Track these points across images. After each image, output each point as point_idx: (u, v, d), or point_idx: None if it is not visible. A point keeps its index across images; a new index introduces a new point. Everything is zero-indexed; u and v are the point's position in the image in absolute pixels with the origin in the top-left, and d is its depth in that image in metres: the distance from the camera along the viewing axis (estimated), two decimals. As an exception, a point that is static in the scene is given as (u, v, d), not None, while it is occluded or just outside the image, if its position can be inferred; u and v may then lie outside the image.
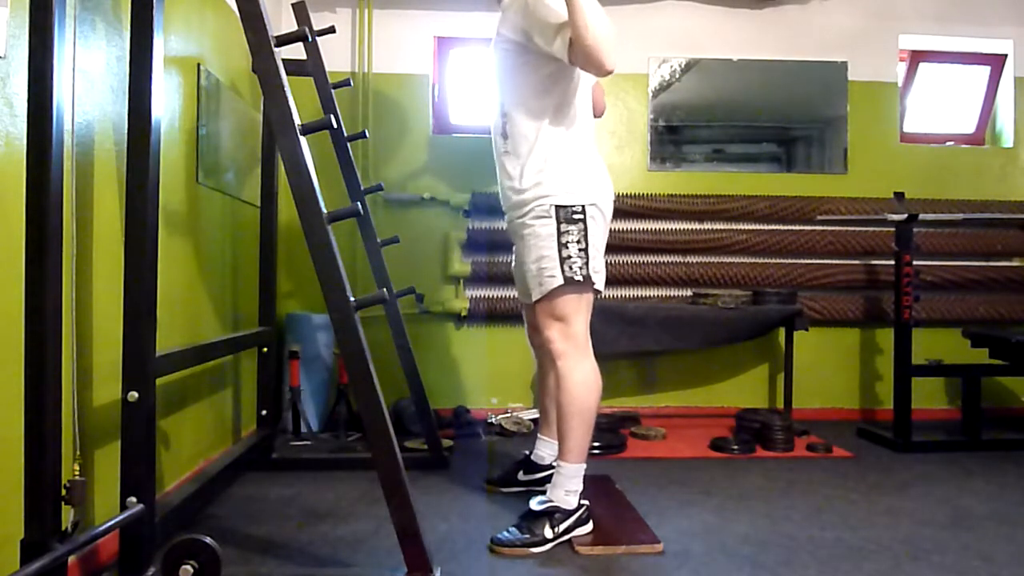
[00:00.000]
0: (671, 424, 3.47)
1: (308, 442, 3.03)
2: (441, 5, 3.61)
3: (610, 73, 1.83)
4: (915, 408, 3.05)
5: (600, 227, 2.05)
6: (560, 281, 1.96)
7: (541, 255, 2.00)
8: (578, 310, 2.01)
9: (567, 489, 1.99)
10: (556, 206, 1.98)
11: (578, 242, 1.98)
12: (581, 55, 1.81)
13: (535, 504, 2.00)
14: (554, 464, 2.09)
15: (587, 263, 1.98)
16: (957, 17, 3.80)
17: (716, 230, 3.67)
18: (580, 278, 1.97)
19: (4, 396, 1.39)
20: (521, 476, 2.40)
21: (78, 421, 1.62)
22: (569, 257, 1.97)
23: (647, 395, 3.72)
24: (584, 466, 2.04)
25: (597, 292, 2.06)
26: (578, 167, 2.03)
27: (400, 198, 3.58)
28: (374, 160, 3.59)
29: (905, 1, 3.79)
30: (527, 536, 1.92)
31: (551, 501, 1.98)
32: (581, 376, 1.99)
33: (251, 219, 2.91)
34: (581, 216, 1.99)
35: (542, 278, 2.00)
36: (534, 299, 2.05)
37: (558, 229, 1.98)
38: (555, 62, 1.95)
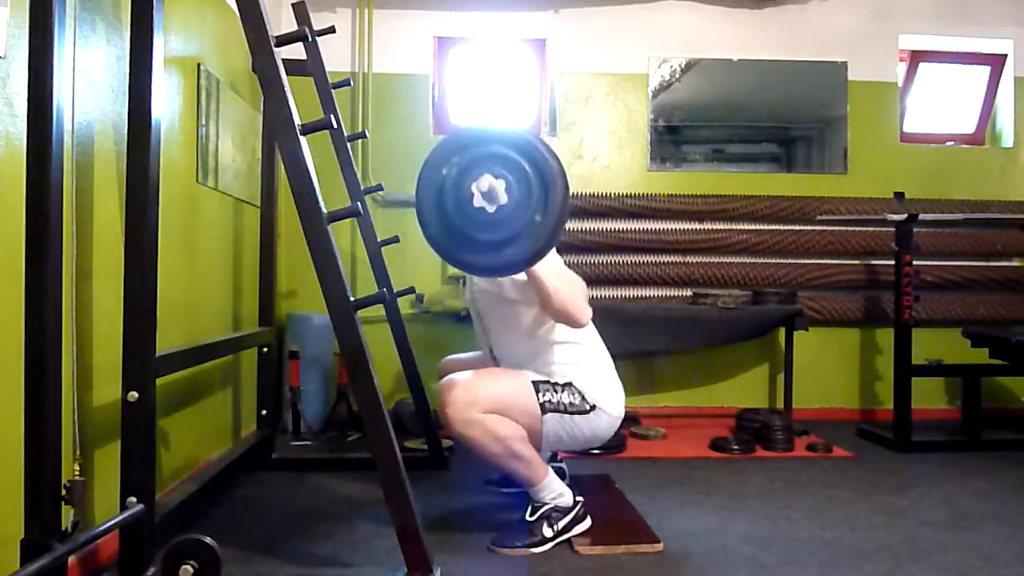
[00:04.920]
0: (671, 424, 3.47)
1: (308, 442, 3.03)
2: (441, 5, 3.61)
3: (585, 325, 1.91)
4: (915, 408, 3.05)
5: (595, 429, 1.97)
6: (530, 377, 1.93)
7: (537, 375, 1.95)
8: (510, 396, 1.88)
9: (551, 495, 1.96)
10: (571, 382, 1.95)
11: (567, 405, 1.92)
12: (550, 314, 1.89)
13: (528, 516, 1.96)
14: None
15: (555, 412, 1.91)
16: (957, 17, 3.80)
17: (716, 230, 3.67)
18: (541, 400, 1.90)
19: (4, 396, 1.39)
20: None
21: (78, 421, 1.62)
22: (552, 392, 1.92)
23: (647, 395, 3.72)
24: (550, 474, 1.97)
25: (535, 437, 1.94)
26: (593, 373, 2.00)
27: (400, 198, 3.57)
28: (374, 160, 3.59)
29: (905, 1, 3.79)
30: (527, 536, 1.92)
31: (544, 505, 1.96)
32: (473, 432, 1.84)
33: (251, 219, 2.91)
34: (587, 408, 1.94)
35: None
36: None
37: (563, 384, 1.94)
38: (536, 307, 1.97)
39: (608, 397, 1.99)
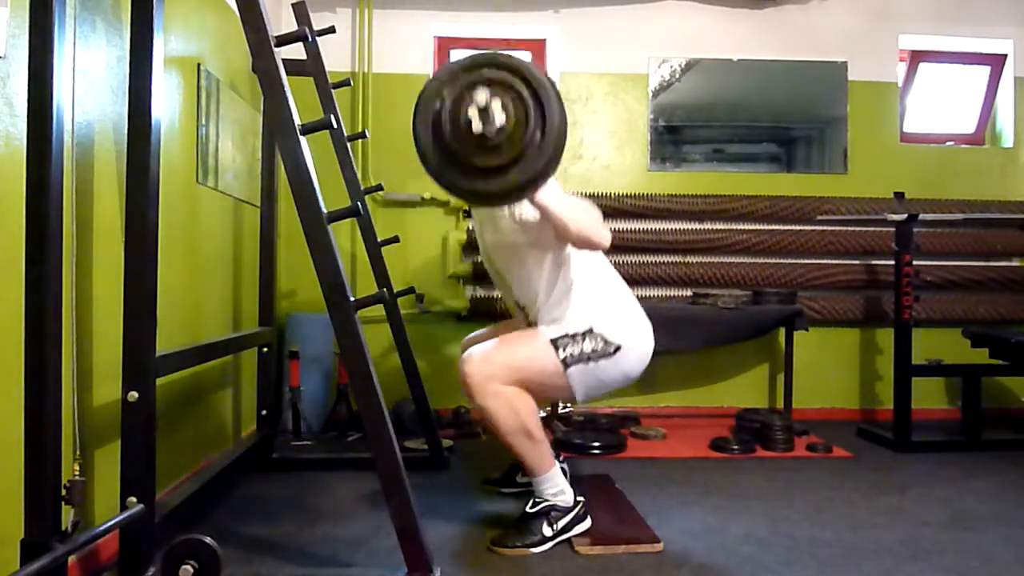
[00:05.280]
0: (671, 424, 3.47)
1: (308, 442, 3.03)
2: (441, 5, 3.61)
3: (607, 247, 1.92)
4: (915, 408, 3.05)
5: (623, 369, 1.99)
6: (548, 336, 1.95)
7: (554, 327, 1.98)
8: (527, 360, 1.92)
9: (553, 491, 1.97)
10: (592, 328, 1.96)
11: (589, 353, 1.94)
12: (572, 245, 1.92)
13: (529, 508, 1.98)
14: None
15: (578, 363, 1.93)
16: (957, 17, 3.80)
17: (716, 230, 3.67)
18: (562, 356, 1.92)
19: (4, 396, 1.39)
20: (520, 478, 2.40)
21: (78, 421, 1.62)
22: (572, 344, 1.94)
23: (647, 395, 3.72)
24: (555, 468, 2.00)
25: (569, 394, 1.98)
26: (617, 313, 2.02)
27: (400, 198, 3.58)
28: (374, 160, 3.59)
29: (905, 1, 3.79)
30: (526, 535, 1.92)
31: (545, 501, 1.97)
32: (493, 402, 1.87)
33: (251, 219, 2.91)
34: (611, 350, 1.95)
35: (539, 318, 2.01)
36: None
37: (583, 332, 1.95)
38: (550, 244, 1.99)
39: (632, 334, 2.01)
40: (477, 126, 1.56)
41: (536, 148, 1.59)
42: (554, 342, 1.94)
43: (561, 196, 1.85)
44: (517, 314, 2.22)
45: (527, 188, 1.67)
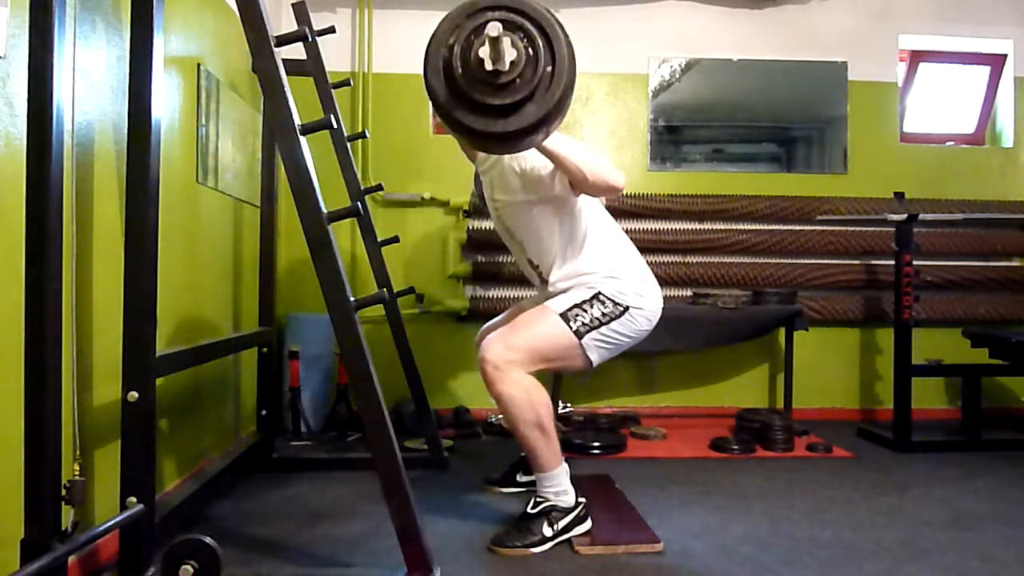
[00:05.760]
0: (671, 424, 3.47)
1: (308, 442, 3.03)
2: (441, 5, 3.54)
3: (623, 189, 1.94)
4: (915, 408, 3.05)
5: (631, 329, 2.03)
6: (557, 310, 1.96)
7: (560, 299, 2.01)
8: (543, 338, 1.95)
9: (555, 491, 1.97)
10: (600, 291, 2.00)
11: (599, 317, 1.98)
12: (589, 190, 1.93)
13: (530, 508, 1.98)
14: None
15: (591, 331, 1.97)
16: (957, 17, 3.80)
17: (716, 230, 3.67)
18: (574, 328, 1.95)
19: (4, 396, 1.39)
20: (520, 477, 2.40)
21: (78, 421, 1.62)
22: (581, 314, 1.97)
23: (647, 395, 3.72)
24: (562, 467, 2.00)
25: (585, 364, 2.01)
26: (625, 273, 2.04)
27: (400, 198, 3.58)
28: (374, 160, 3.59)
29: (905, 1, 3.79)
30: (526, 536, 1.92)
31: (546, 500, 1.97)
32: (512, 390, 1.90)
33: (251, 219, 2.91)
34: (619, 311, 1.99)
35: (548, 295, 2.03)
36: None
37: (590, 299, 1.99)
38: (560, 201, 2.01)
39: (639, 294, 2.04)
40: (489, 64, 1.55)
41: (548, 82, 1.59)
42: (564, 315, 1.96)
43: (571, 142, 1.87)
44: (530, 273, 2.23)
45: (543, 124, 1.65)
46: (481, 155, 2.20)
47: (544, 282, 2.14)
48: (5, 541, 1.36)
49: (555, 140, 1.82)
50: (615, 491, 2.41)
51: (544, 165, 1.93)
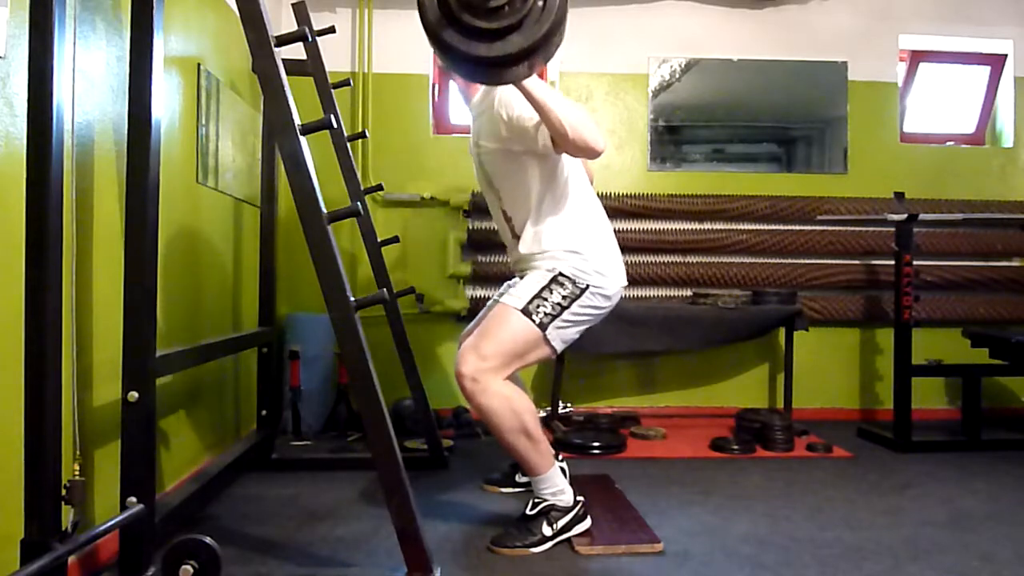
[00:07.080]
0: (671, 424, 3.47)
1: (308, 442, 3.03)
2: (441, 5, 3.60)
3: (602, 152, 1.89)
4: (915, 408, 3.05)
5: (591, 307, 2.02)
6: (518, 306, 1.95)
7: (521, 288, 2.01)
8: (512, 339, 1.94)
9: (552, 491, 1.97)
10: (560, 272, 1.99)
11: (560, 302, 1.96)
12: (568, 148, 1.88)
13: (529, 508, 1.98)
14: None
15: (553, 320, 1.95)
16: (957, 17, 3.80)
17: (716, 230, 3.67)
18: (537, 321, 1.94)
19: (4, 396, 1.39)
20: (519, 478, 2.40)
21: (78, 421, 1.62)
22: (542, 303, 1.96)
23: (647, 395, 3.72)
24: (555, 467, 2.00)
25: (551, 352, 2.01)
26: (590, 249, 2.03)
27: (400, 198, 3.58)
28: (374, 160, 3.59)
29: (905, 1, 3.79)
30: (526, 535, 1.92)
31: (544, 501, 1.97)
32: (492, 401, 1.89)
33: (251, 219, 2.91)
34: (579, 291, 1.98)
35: (504, 296, 2.03)
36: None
37: (549, 283, 1.98)
38: (542, 157, 1.99)
39: (599, 271, 2.02)
40: None
41: (537, 15, 1.58)
42: (525, 311, 1.95)
43: (560, 96, 1.85)
44: (502, 226, 2.20)
45: (525, 56, 1.63)
46: (475, 99, 2.18)
47: (516, 237, 2.12)
48: (5, 541, 1.36)
49: (542, 88, 1.80)
50: (615, 491, 2.41)
51: (531, 117, 1.90)
